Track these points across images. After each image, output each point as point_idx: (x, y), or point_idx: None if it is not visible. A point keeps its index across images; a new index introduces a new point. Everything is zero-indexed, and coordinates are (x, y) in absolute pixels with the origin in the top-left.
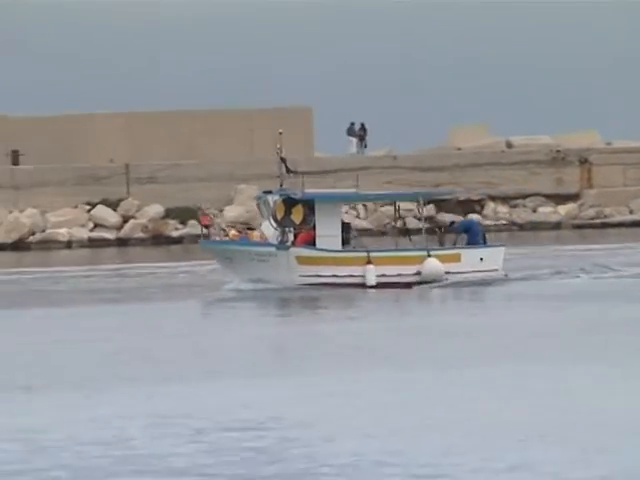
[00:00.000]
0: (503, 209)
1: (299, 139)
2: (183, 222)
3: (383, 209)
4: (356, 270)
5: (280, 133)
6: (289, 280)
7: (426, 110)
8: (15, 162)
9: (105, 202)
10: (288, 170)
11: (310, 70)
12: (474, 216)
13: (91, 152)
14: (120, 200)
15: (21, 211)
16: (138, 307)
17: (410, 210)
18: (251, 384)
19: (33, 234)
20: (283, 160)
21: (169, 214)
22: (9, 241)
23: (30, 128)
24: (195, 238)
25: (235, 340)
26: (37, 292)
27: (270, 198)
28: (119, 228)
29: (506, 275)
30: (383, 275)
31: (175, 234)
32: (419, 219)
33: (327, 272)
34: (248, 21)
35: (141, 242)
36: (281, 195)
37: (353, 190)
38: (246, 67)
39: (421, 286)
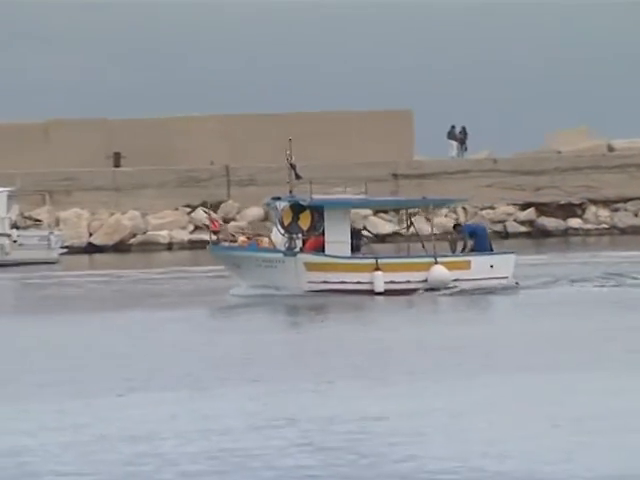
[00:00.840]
0: (604, 213)
1: (399, 142)
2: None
3: (484, 212)
4: (364, 277)
5: (290, 140)
6: (297, 286)
7: (524, 113)
8: (117, 164)
9: (205, 205)
10: (297, 176)
11: (411, 73)
12: (481, 221)
13: (191, 154)
14: (220, 202)
15: (122, 213)
16: (237, 310)
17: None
18: (363, 387)
19: (134, 236)
20: (293, 166)
21: (268, 217)
22: (110, 243)
23: (131, 131)
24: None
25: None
26: (138, 294)
27: (278, 204)
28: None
29: (517, 283)
30: (391, 282)
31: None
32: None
33: (335, 278)
34: (348, 22)
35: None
36: (289, 201)
37: (362, 196)
38: (347, 70)
39: (425, 293)
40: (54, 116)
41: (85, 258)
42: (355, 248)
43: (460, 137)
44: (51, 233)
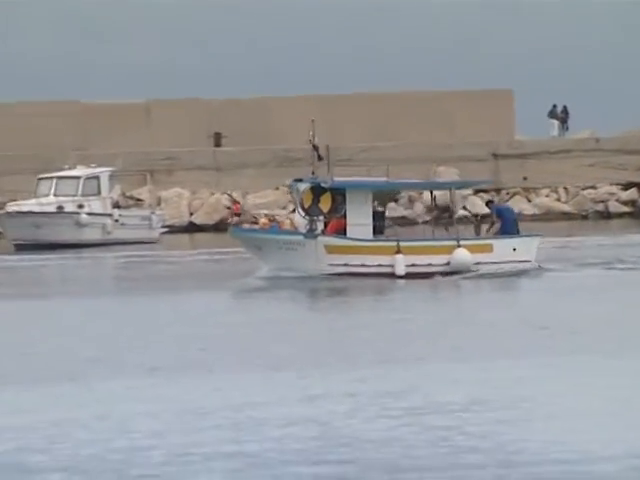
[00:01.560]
0: None
1: (499, 122)
2: (383, 205)
3: (585, 192)
4: (385, 260)
5: (312, 121)
6: (317, 269)
7: (628, 92)
8: (217, 144)
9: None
10: (320, 158)
11: (511, 52)
12: (508, 204)
13: (291, 134)
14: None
15: (223, 193)
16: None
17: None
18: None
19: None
20: (315, 147)
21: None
22: (210, 222)
23: (231, 110)
24: (395, 220)
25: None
26: (238, 272)
27: (300, 186)
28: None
29: (540, 266)
30: (413, 265)
31: None
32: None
33: (356, 261)
34: (451, 4)
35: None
36: (310, 183)
37: (384, 178)
38: (447, 48)
39: (446, 277)
40: (155, 96)
41: (185, 237)
42: (378, 230)
43: (562, 116)
44: (152, 213)
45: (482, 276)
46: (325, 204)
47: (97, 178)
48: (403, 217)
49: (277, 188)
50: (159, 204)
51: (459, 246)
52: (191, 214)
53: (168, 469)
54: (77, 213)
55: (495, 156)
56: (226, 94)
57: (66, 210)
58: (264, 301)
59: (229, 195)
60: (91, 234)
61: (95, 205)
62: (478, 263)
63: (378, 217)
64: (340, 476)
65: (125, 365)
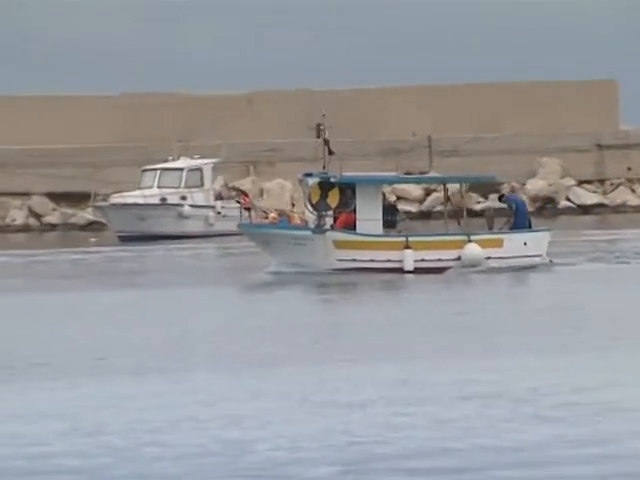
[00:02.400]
0: None
1: (603, 112)
2: (485, 195)
3: None
4: (394, 255)
5: (323, 115)
6: (326, 264)
7: None
8: (319, 135)
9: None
10: (330, 152)
11: (615, 42)
12: (520, 195)
13: (393, 125)
14: (422, 173)
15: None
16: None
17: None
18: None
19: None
20: (326, 142)
21: (471, 187)
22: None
23: (333, 102)
24: (497, 211)
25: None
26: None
27: (309, 181)
28: (421, 201)
29: (551, 261)
30: (422, 260)
31: (477, 207)
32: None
33: (364, 257)
34: None
35: (442, 215)
36: (318, 178)
37: (394, 173)
38: (551, 39)
39: (457, 271)
40: (258, 87)
41: None
42: (390, 224)
43: None
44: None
45: (492, 271)
46: (333, 199)
47: (200, 170)
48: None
49: None
50: (262, 195)
51: (470, 241)
52: (293, 205)
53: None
54: (180, 205)
55: (599, 147)
56: (329, 85)
57: (169, 202)
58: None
59: (237, 189)
60: (193, 226)
61: (198, 197)
62: (489, 258)
63: (390, 211)
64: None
65: (247, 356)
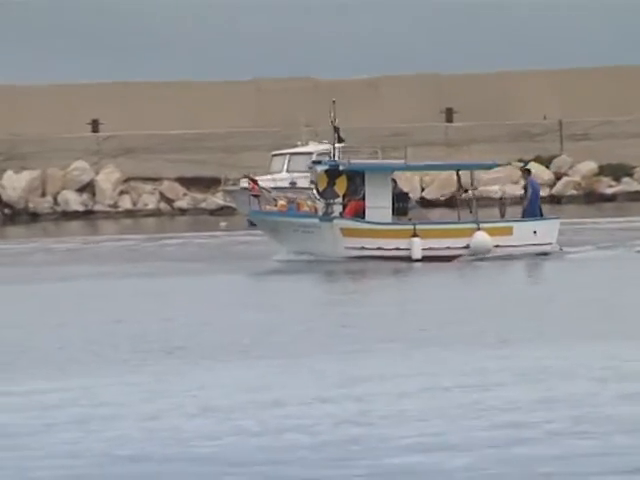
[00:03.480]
0: None
1: None
2: (617, 179)
3: None
4: (402, 243)
5: (333, 102)
6: (333, 252)
7: None
8: (449, 119)
9: (538, 159)
10: (340, 139)
11: None
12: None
13: (524, 109)
14: (553, 157)
15: (244, 176)
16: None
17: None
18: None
19: (466, 191)
20: (336, 129)
21: (602, 171)
22: (442, 198)
23: (463, 86)
24: (630, 195)
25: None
26: None
27: (318, 169)
28: (552, 185)
29: (561, 249)
30: (430, 248)
31: (609, 191)
32: (466, 190)
33: (372, 245)
34: None
35: (574, 199)
36: (327, 166)
37: (402, 161)
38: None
39: (466, 259)
40: (384, 72)
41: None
42: (401, 212)
43: None
44: None
45: (501, 259)
46: (341, 187)
47: (329, 154)
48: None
49: (509, 163)
50: None
51: (479, 229)
52: (422, 189)
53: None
54: (309, 189)
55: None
56: (458, 69)
57: (298, 186)
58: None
59: (247, 176)
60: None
61: None
62: (498, 246)
63: (401, 198)
64: None
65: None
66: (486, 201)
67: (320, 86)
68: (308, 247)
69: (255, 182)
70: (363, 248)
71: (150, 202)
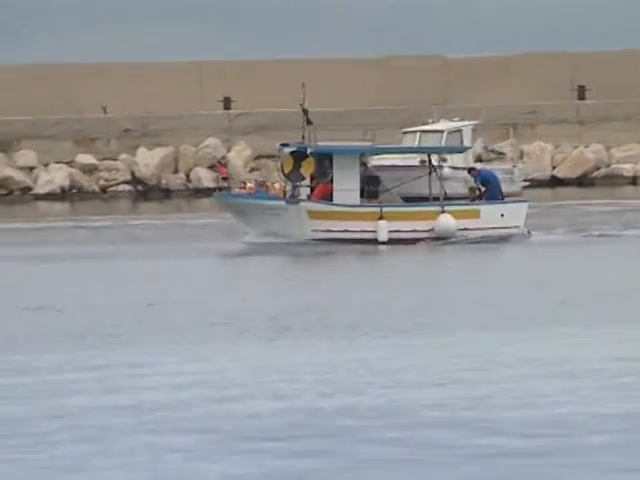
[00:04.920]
0: None
1: None
2: None
3: None
4: (368, 225)
5: (303, 85)
6: (300, 234)
7: None
8: (581, 97)
9: None
10: (309, 122)
11: None
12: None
13: None
14: None
15: (586, 146)
16: None
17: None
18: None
19: (597, 169)
20: (305, 112)
21: None
22: (573, 176)
23: (596, 63)
24: None
25: None
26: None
27: (285, 150)
28: None
29: (529, 232)
30: (397, 231)
31: None
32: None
33: (339, 227)
34: None
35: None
36: (294, 148)
37: (369, 143)
38: None
39: (431, 243)
40: (517, 50)
41: (547, 191)
42: (372, 195)
43: None
44: (514, 166)
45: (467, 242)
46: (307, 169)
47: (459, 132)
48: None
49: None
50: (521, 158)
51: (443, 212)
52: (553, 168)
53: None
54: (440, 167)
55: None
56: (590, 47)
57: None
58: None
59: (218, 160)
60: (453, 187)
61: (457, 159)
62: (465, 229)
63: (372, 181)
64: None
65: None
66: (618, 179)
67: (449, 64)
68: (275, 229)
69: (224, 165)
70: (329, 231)
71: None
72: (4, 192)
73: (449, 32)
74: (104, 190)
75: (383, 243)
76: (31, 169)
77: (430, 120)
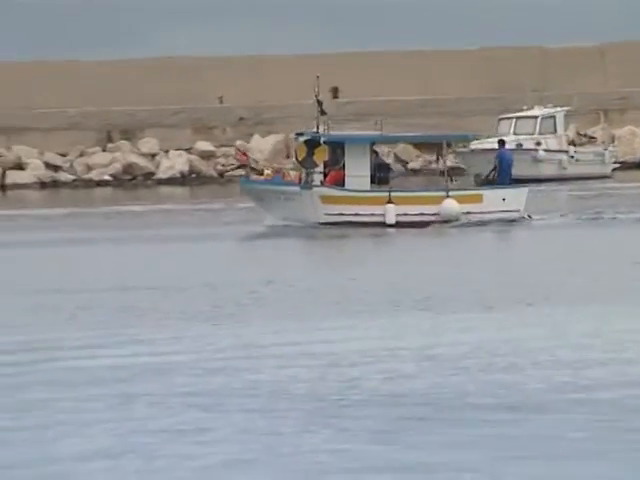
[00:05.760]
0: None
1: None
2: None
3: None
4: (377, 209)
5: (317, 77)
6: (314, 218)
7: None
8: None
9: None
10: (323, 112)
11: None
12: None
13: None
14: None
15: (233, 146)
16: None
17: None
18: None
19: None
20: (319, 103)
21: None
22: None
23: None
24: None
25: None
26: None
27: (299, 139)
28: None
29: (529, 216)
30: (404, 214)
31: None
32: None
33: (349, 211)
34: None
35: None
36: (308, 136)
37: (378, 132)
38: None
39: (439, 225)
40: (609, 39)
41: (638, 173)
42: (382, 181)
43: None
44: (605, 149)
45: (470, 225)
46: (320, 156)
47: (553, 117)
48: None
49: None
50: (612, 141)
51: (448, 196)
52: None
53: None
54: (535, 150)
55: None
56: None
57: (524, 147)
58: None
59: (236, 147)
60: (547, 169)
61: (551, 142)
62: (468, 213)
63: (382, 168)
64: None
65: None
66: None
67: (547, 53)
68: (290, 214)
69: (244, 154)
70: (341, 214)
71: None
72: (129, 177)
73: (547, 22)
74: (221, 175)
75: (391, 226)
76: (153, 156)
77: (525, 107)
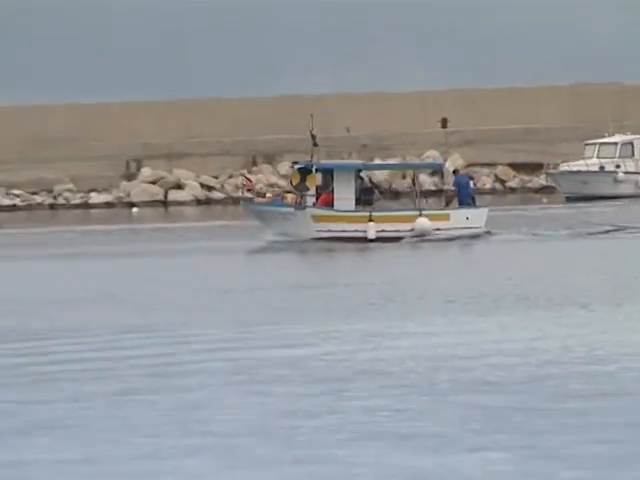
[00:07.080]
0: None
1: None
2: None
3: None
4: (360, 226)
5: (311, 116)
6: (307, 234)
7: None
8: None
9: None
10: (315, 144)
11: None
12: (465, 175)
13: None
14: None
15: (240, 174)
16: None
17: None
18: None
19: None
20: (313, 136)
21: None
22: None
23: None
24: None
25: None
26: None
27: (295, 167)
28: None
29: (488, 232)
30: (383, 230)
31: None
32: (414, 186)
33: (337, 228)
34: None
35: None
36: (301, 165)
37: (361, 162)
38: None
39: (410, 240)
40: None
41: None
42: (367, 203)
43: None
44: None
45: (440, 240)
46: (311, 182)
47: (631, 143)
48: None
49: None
50: None
51: (421, 215)
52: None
53: None
54: (615, 172)
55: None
56: None
57: (606, 169)
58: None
59: (243, 175)
60: (625, 189)
61: (629, 165)
62: (438, 229)
63: (367, 192)
64: None
65: None
66: None
67: (626, 89)
68: (287, 231)
69: (249, 180)
70: (330, 231)
71: (487, 182)
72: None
73: (627, 60)
74: None
75: (371, 240)
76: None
77: (606, 134)
